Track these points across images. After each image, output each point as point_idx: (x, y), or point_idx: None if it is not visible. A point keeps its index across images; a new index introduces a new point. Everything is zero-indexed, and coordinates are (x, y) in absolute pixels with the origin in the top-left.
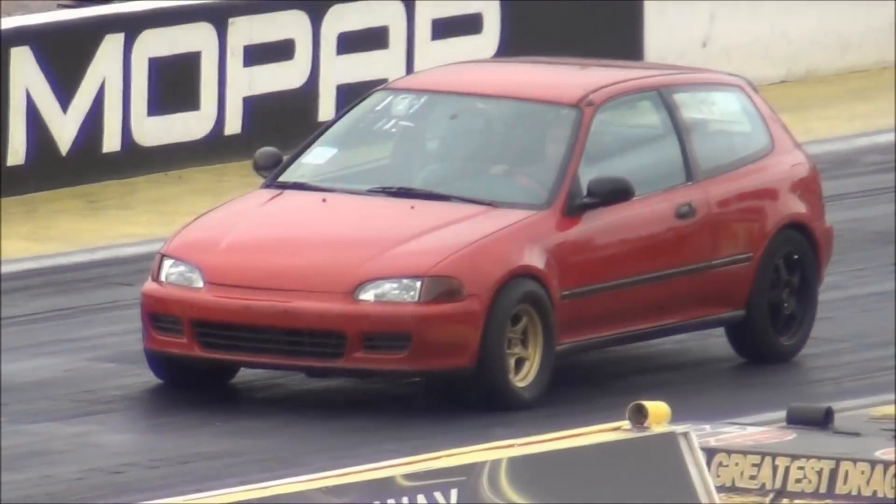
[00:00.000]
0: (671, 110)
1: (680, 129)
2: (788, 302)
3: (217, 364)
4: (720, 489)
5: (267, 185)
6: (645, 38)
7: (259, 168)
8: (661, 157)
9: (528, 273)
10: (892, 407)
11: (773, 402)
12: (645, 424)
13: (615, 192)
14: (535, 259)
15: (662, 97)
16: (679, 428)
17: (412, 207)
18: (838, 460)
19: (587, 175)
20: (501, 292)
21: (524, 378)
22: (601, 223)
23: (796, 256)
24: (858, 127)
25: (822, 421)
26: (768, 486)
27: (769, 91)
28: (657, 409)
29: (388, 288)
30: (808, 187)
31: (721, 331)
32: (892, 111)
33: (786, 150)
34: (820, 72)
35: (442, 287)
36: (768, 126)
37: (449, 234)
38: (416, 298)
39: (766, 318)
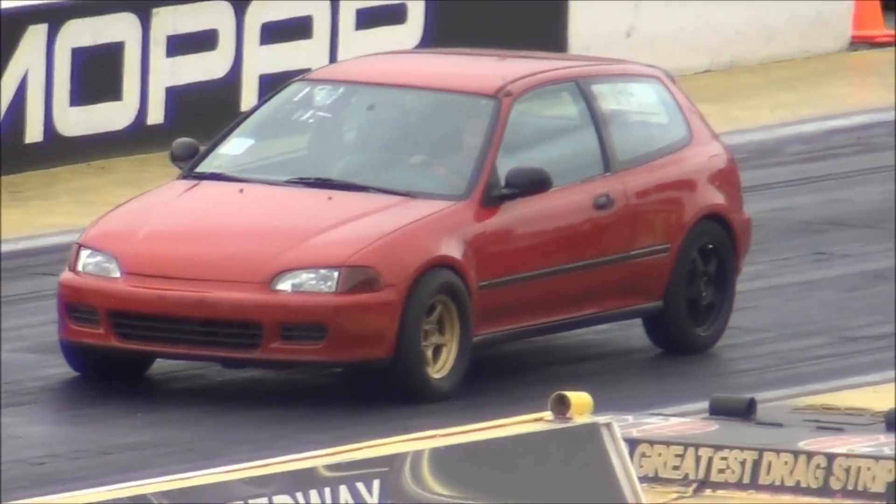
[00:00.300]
0: (589, 101)
1: (598, 120)
2: (706, 293)
3: (133, 355)
4: (643, 480)
5: (184, 176)
6: (569, 29)
7: (176, 159)
8: (579, 148)
9: (445, 263)
10: (816, 397)
11: (696, 393)
12: (567, 415)
13: (533, 183)
14: (452, 249)
15: (580, 88)
16: (602, 419)
17: (329, 198)
18: (761, 451)
19: (505, 166)
20: (419, 283)
21: (440, 369)
22: (519, 214)
23: (712, 247)
24: (782, 117)
25: (745, 411)
26: (691, 477)
27: (693, 81)
28: (579, 399)
29: (306, 278)
30: (725, 178)
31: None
32: (817, 101)
33: (703, 142)
34: (744, 62)
35: (359, 277)
36: (686, 117)
37: (366, 224)
38: (334, 289)
39: (684, 310)
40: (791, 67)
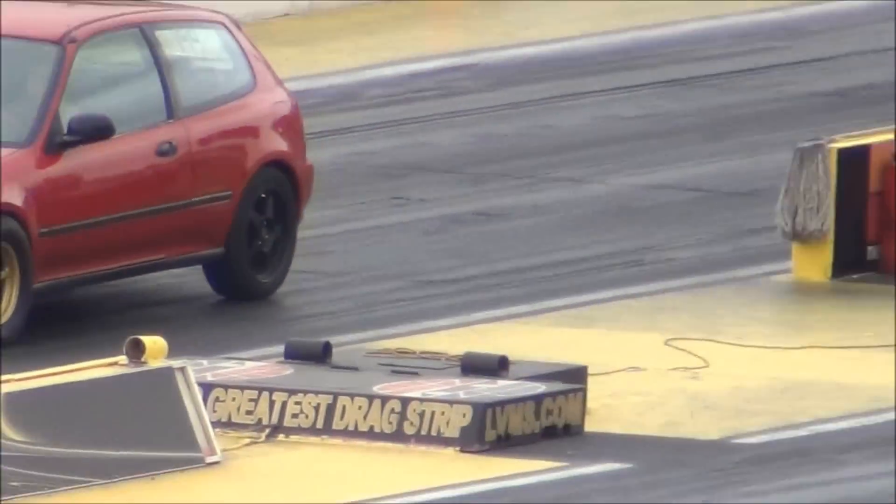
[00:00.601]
0: (153, 47)
1: (162, 67)
2: (268, 238)
3: None
4: (216, 424)
5: None
6: None
7: None
8: (143, 95)
9: (5, 210)
10: (392, 341)
11: (272, 337)
12: (142, 359)
13: (96, 130)
14: (13, 197)
15: (145, 34)
16: (176, 363)
17: None
18: (336, 395)
19: (69, 113)
20: None
21: (1, 316)
22: (82, 161)
23: (273, 194)
24: (362, 60)
25: (321, 356)
26: (265, 422)
27: (272, 25)
28: (154, 343)
29: None
30: (289, 125)
31: None
32: (398, 44)
33: (268, 88)
34: (323, 5)
35: None
36: (251, 63)
37: None
38: None
39: (245, 256)
40: (372, 11)
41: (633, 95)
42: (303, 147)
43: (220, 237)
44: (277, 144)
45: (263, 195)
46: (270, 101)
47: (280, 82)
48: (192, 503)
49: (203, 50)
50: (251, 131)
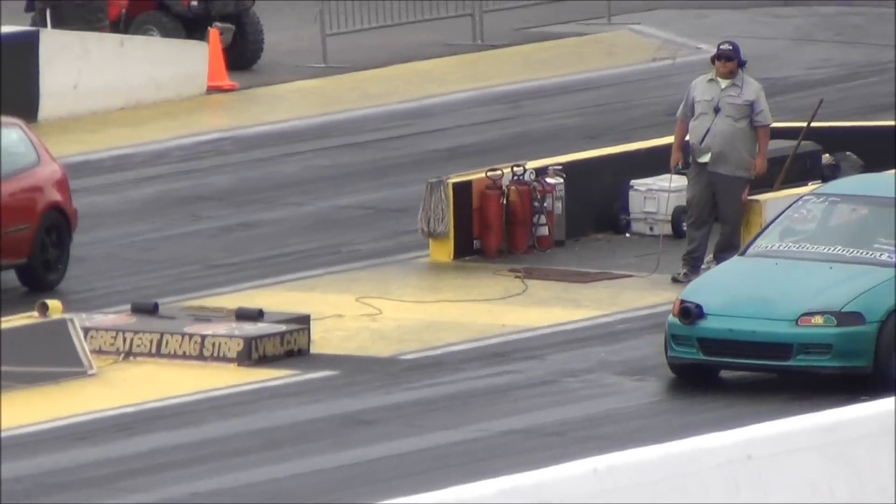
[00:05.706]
0: None
1: None
2: (52, 252)
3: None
4: (92, 352)
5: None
6: None
7: None
8: None
9: None
10: (195, 301)
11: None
12: (47, 314)
13: None
14: None
15: None
16: (67, 315)
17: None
18: (162, 333)
19: None
20: None
21: None
22: None
23: (51, 225)
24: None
25: (153, 310)
26: (121, 350)
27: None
28: (54, 304)
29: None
30: (62, 184)
31: None
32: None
33: (47, 163)
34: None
35: None
36: (36, 148)
37: None
38: None
39: (39, 263)
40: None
41: (328, 153)
42: (70, 197)
43: (25, 252)
44: (55, 196)
45: (49, 226)
46: (49, 171)
47: (54, 159)
48: (84, 397)
49: (7, 141)
50: (39, 188)
